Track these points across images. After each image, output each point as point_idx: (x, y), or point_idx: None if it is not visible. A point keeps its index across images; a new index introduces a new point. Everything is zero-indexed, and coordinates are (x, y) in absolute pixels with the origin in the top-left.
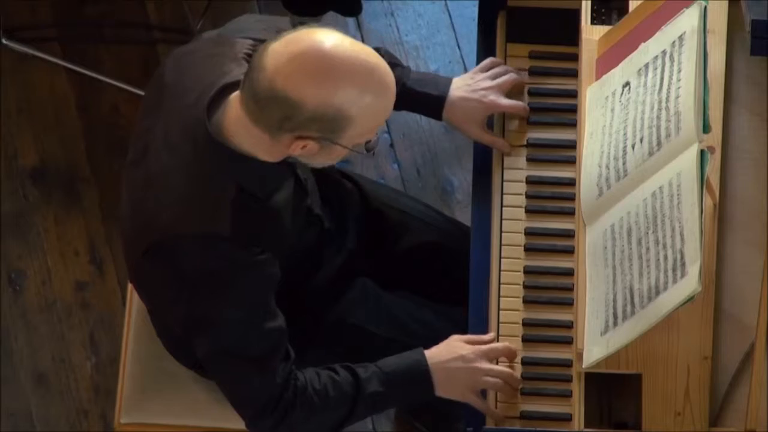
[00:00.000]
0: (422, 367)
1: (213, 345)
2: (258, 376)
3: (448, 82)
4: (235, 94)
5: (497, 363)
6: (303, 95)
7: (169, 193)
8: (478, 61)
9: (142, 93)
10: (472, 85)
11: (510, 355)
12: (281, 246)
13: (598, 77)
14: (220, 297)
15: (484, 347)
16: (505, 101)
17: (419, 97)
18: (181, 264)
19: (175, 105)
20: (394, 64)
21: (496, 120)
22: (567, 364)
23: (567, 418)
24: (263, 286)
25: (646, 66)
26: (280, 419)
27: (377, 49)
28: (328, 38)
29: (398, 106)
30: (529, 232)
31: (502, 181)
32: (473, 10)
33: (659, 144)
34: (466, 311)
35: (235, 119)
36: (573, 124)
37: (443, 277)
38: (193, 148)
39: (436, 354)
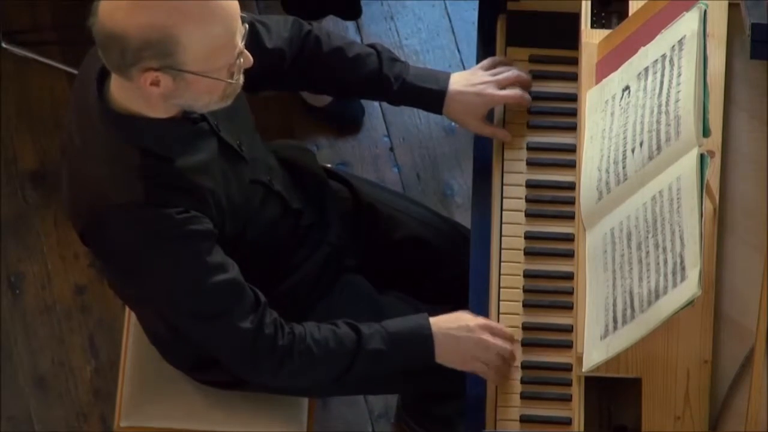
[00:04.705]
0: (425, 330)
1: (173, 312)
2: (228, 328)
3: (447, 76)
4: None
5: None
6: (123, 26)
7: (84, 176)
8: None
9: None
10: (471, 79)
11: (510, 341)
12: (206, 206)
13: (598, 81)
14: (154, 263)
15: (490, 322)
16: (502, 92)
17: (420, 92)
18: (109, 240)
19: (81, 91)
20: (393, 59)
21: (496, 120)
22: (567, 368)
23: (567, 422)
24: (195, 243)
25: (646, 70)
26: (277, 367)
27: (372, 45)
28: None
29: (399, 102)
30: (528, 236)
31: (502, 184)
32: (473, 14)
33: (659, 148)
34: None
35: (114, 83)
36: (573, 128)
37: (435, 275)
38: (95, 125)
39: (441, 320)
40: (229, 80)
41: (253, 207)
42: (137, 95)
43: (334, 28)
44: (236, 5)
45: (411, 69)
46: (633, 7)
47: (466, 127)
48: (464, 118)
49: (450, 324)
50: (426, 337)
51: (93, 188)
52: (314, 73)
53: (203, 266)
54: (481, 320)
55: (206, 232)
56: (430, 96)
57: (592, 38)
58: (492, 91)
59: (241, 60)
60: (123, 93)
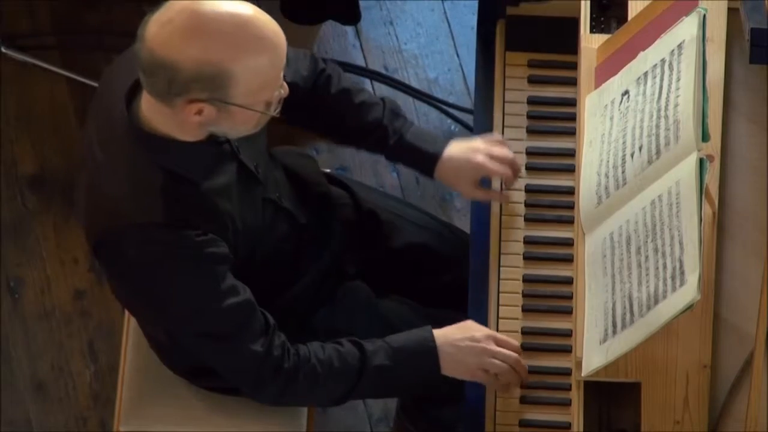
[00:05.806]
0: (429, 343)
1: (183, 330)
2: (237, 350)
3: (445, 141)
4: None
5: None
6: (178, 56)
7: (105, 191)
8: (477, 69)
9: None
10: (466, 145)
11: (514, 351)
12: (225, 229)
13: (597, 85)
14: (168, 283)
15: (495, 333)
16: (493, 164)
17: (415, 151)
18: (124, 258)
19: (104, 105)
20: (396, 114)
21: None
22: (566, 372)
23: (566, 427)
24: (211, 267)
25: (645, 74)
26: (283, 388)
27: (382, 98)
28: (201, 0)
29: (394, 158)
30: (528, 241)
31: (501, 189)
32: (472, 19)
33: (658, 152)
34: (463, 318)
35: (146, 103)
36: (572, 133)
37: (434, 280)
38: (120, 142)
39: (445, 332)
40: (268, 112)
41: (264, 227)
42: (171, 120)
43: (333, 32)
44: (284, 39)
45: (412, 127)
46: (632, 11)
47: (459, 191)
48: (456, 182)
49: (455, 335)
50: (430, 350)
51: (112, 204)
52: (319, 110)
53: (217, 290)
54: (487, 331)
55: (222, 256)
56: (424, 157)
57: (591, 43)
58: (483, 159)
59: (281, 92)
60: (155, 115)
